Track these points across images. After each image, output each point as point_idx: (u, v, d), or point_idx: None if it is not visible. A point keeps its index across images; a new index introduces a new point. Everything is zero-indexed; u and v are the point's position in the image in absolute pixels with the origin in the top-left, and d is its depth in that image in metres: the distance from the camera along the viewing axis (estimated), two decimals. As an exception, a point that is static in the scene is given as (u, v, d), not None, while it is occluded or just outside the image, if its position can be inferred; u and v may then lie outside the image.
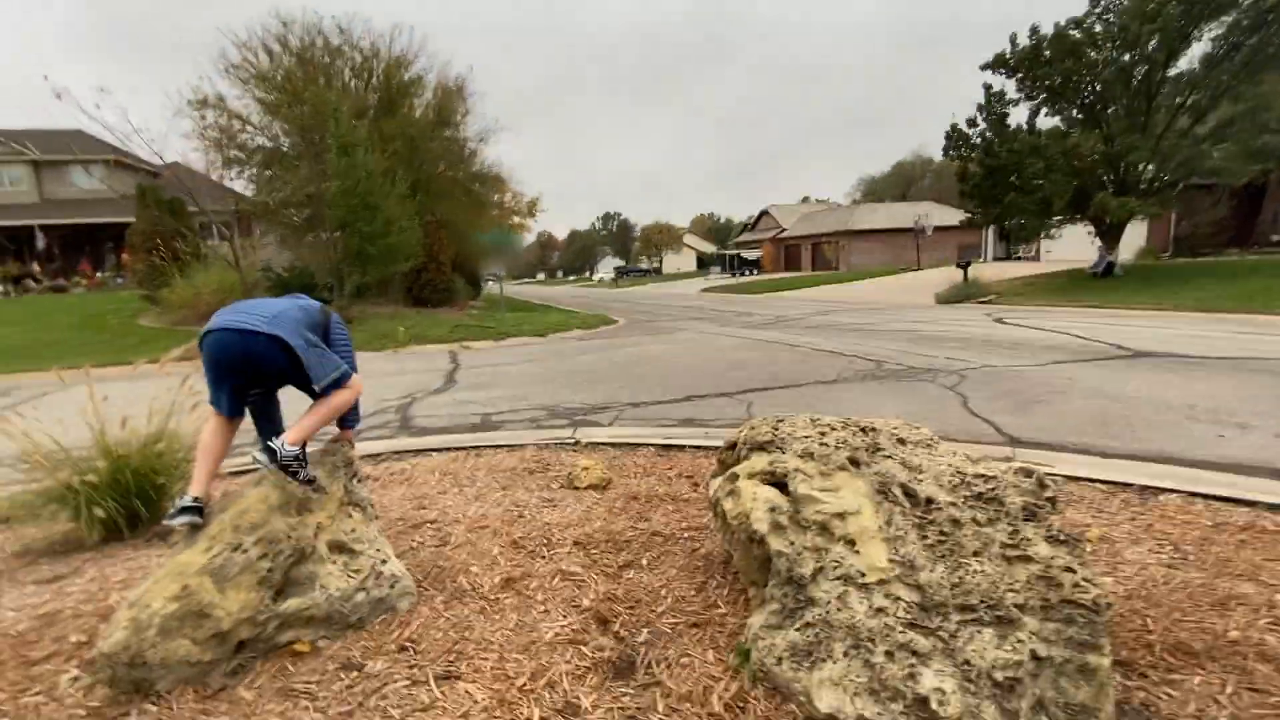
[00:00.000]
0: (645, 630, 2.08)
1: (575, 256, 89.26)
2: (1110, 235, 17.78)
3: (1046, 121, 18.09)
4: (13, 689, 1.91)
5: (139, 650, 1.79)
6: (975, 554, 1.80)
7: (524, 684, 1.83)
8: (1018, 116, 17.75)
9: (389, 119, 17.61)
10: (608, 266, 75.04)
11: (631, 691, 1.79)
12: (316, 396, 2.25)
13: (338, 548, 2.20)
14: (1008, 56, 17.40)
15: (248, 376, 2.23)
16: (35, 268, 24.90)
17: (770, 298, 24.72)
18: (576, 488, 3.58)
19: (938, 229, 34.36)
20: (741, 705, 1.71)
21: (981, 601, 1.70)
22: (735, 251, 53.59)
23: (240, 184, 18.04)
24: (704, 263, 66.83)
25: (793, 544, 1.87)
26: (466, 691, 1.81)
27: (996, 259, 32.78)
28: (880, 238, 40.09)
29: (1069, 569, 1.75)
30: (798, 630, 1.75)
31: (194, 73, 33.60)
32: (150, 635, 1.80)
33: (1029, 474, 2.00)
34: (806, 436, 2.15)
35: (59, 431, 3.15)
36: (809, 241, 45.14)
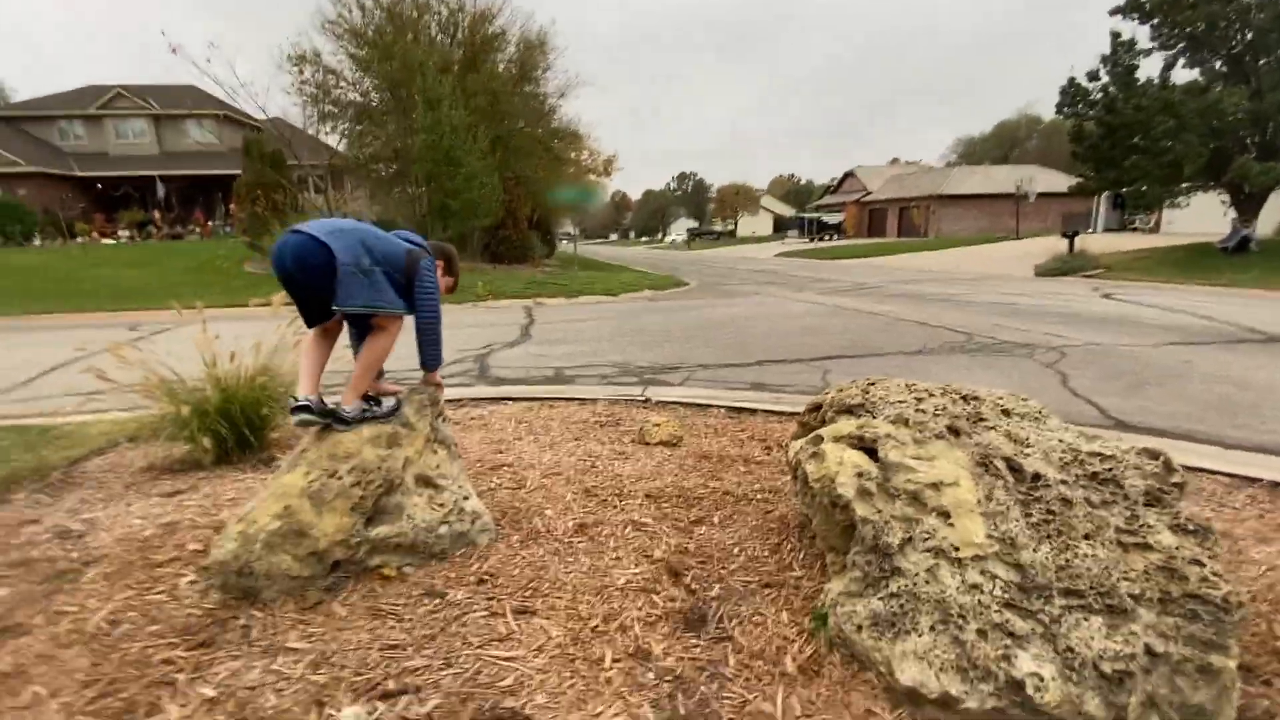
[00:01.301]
0: (717, 585, 2.06)
1: (648, 217, 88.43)
2: (1249, 205, 15.82)
3: (1183, 75, 16.09)
4: (140, 587, 2.12)
5: (247, 561, 1.94)
6: (1086, 537, 1.66)
7: (597, 625, 1.86)
8: (1149, 69, 15.88)
9: (473, 74, 17.76)
10: (680, 228, 73.99)
11: (703, 643, 1.78)
12: (357, 337, 2.36)
13: (424, 481, 2.29)
14: (1143, -1, 15.48)
15: (305, 287, 2.22)
16: (156, 215, 27.12)
17: (851, 263, 23.71)
18: (648, 443, 3.59)
19: (1041, 195, 31.67)
20: (816, 669, 1.67)
21: (1091, 588, 1.57)
22: (815, 215, 51.48)
23: (333, 139, 18.84)
24: (781, 226, 64.73)
25: (880, 511, 1.78)
26: (541, 627, 1.86)
27: (1108, 230, 29.93)
28: (976, 203, 37.39)
29: (1196, 561, 1.58)
30: (881, 600, 1.68)
31: (294, 29, 35.05)
32: (256, 549, 1.94)
33: (1154, 456, 1.81)
34: (900, 401, 2.03)
35: (175, 363, 3.43)
36: (896, 205, 42.72)
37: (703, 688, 1.62)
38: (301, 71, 16.45)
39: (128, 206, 27.31)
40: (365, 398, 2.40)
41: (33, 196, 23.81)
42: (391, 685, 1.62)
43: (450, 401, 4.71)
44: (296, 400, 2.22)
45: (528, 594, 2.03)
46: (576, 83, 21.88)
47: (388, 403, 2.43)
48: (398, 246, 2.36)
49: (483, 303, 11.65)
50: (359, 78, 17.91)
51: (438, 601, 1.98)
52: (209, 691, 1.61)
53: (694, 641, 1.79)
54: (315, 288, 2.18)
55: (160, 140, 28.53)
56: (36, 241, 22.53)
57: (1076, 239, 17.87)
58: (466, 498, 2.34)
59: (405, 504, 2.19)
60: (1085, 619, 1.53)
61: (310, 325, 2.35)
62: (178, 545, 2.42)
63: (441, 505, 2.25)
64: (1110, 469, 1.79)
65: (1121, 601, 1.54)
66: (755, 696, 1.58)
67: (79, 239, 23.75)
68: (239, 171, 17.52)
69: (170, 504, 2.89)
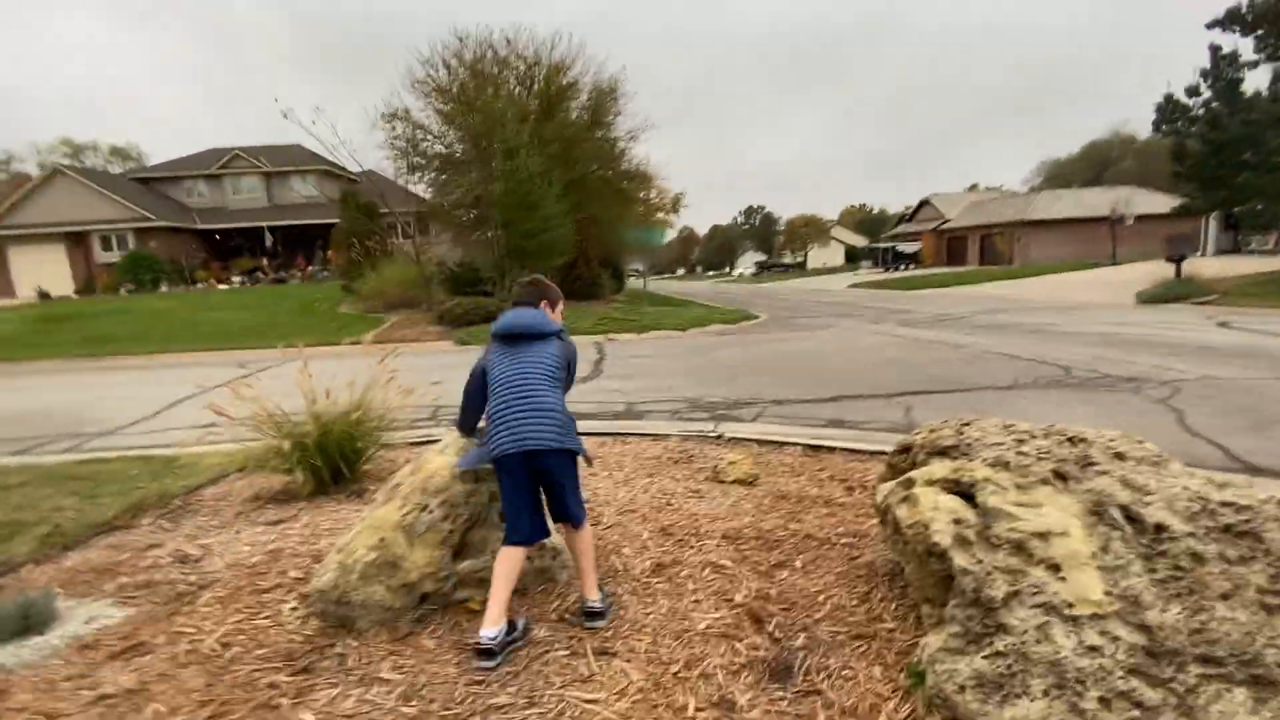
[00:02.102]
0: (802, 635, 1.98)
1: (715, 252, 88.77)
2: (1391, 222, 14.16)
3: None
4: (249, 611, 2.26)
5: (345, 590, 2.04)
6: (1223, 597, 1.49)
7: (678, 671, 1.83)
8: (1255, 82, 14.69)
9: (548, 122, 18.64)
10: (748, 261, 73.73)
11: (790, 696, 1.71)
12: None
13: (506, 518, 2.35)
14: (1243, 10, 14.44)
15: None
16: (264, 262, 29.75)
17: (930, 293, 22.79)
18: (723, 481, 3.53)
19: (1140, 218, 29.53)
20: (914, 730, 1.57)
21: (1231, 654, 1.40)
22: (890, 244, 50.09)
23: (420, 188, 20.16)
24: (853, 257, 63.25)
25: (980, 562, 1.67)
26: (622, 669, 1.84)
27: (1220, 252, 27.46)
28: (1066, 228, 35.27)
29: (1364, 631, 1.39)
30: (985, 658, 1.56)
31: (386, 89, 38.05)
32: (353, 579, 2.04)
33: (1301, 507, 1.62)
34: (999, 444, 1.92)
35: (280, 399, 3.70)
36: (977, 233, 40.94)
37: (791, 744, 1.55)
38: (393, 128, 17.80)
39: (240, 255, 30.12)
40: None
41: (161, 248, 26.69)
42: (478, 722, 1.64)
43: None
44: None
45: (608, 634, 2.02)
46: (646, 125, 22.52)
47: None
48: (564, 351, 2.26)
49: (556, 339, 11.96)
50: (444, 131, 19.17)
51: (520, 638, 2.00)
52: (309, 717, 1.68)
53: (780, 694, 1.72)
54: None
55: (270, 194, 31.48)
56: (164, 288, 25.15)
57: (1184, 263, 16.49)
58: (548, 534, 2.37)
59: (490, 538, 2.25)
60: (1227, 690, 1.37)
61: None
62: (280, 572, 2.58)
63: (523, 541, 2.29)
64: (1247, 520, 1.62)
65: (1269, 671, 1.37)
66: (848, 757, 1.50)
67: (199, 285, 26.34)
68: (336, 220, 19.01)
69: (274, 532, 3.09)
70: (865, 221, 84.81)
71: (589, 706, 1.69)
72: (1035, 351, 8.02)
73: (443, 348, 11.68)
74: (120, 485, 4.01)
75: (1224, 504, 1.67)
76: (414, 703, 1.72)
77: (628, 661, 1.88)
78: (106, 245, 27.39)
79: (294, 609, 2.25)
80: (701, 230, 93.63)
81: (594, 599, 2.09)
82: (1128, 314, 12.83)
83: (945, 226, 44.68)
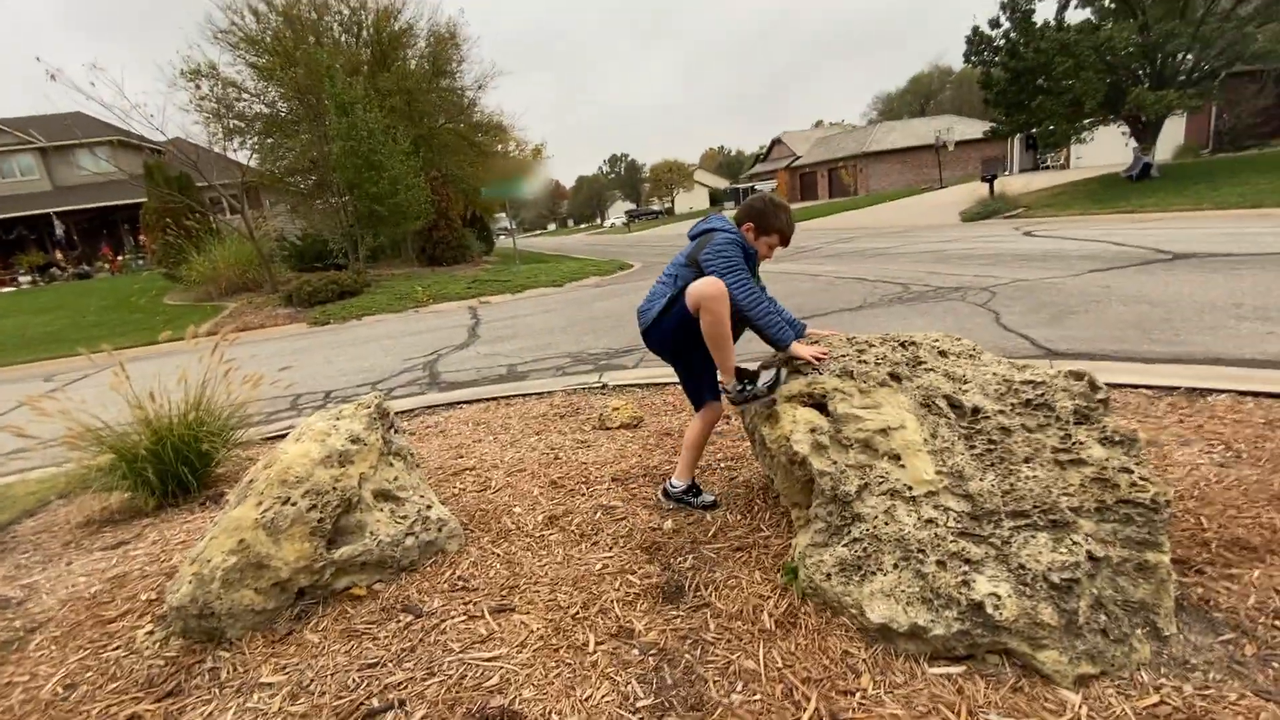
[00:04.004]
0: (690, 557, 2.10)
1: (584, 204, 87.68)
2: (1146, 134, 16.80)
3: (1076, 15, 16.87)
4: (94, 646, 2.01)
5: (205, 602, 1.86)
6: (1026, 460, 1.76)
7: (577, 612, 1.87)
8: (1045, 12, 16.53)
9: (384, 73, 17.10)
10: (618, 211, 73.69)
11: (682, 614, 1.82)
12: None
13: (383, 496, 2.24)
14: (1032, -55, 16.08)
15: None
16: (58, 255, 25.29)
17: (787, 230, 24.06)
18: (609, 428, 3.60)
19: (960, 143, 32.86)
20: (792, 621, 1.73)
21: (1035, 507, 1.66)
22: (748, 185, 52.08)
23: (244, 155, 17.87)
24: (716, 199, 65.21)
25: (835, 463, 1.84)
26: (522, 622, 1.86)
27: (1023, 170, 31.36)
28: (900, 158, 38.50)
29: (1125, 469, 1.70)
30: (845, 546, 1.74)
31: (183, 42, 32.82)
32: (214, 588, 1.87)
33: (1079, 377, 1.93)
34: (844, 355, 2.09)
35: (101, 410, 3.23)
36: (824, 168, 43.60)
37: (687, 655, 1.65)
38: (198, 86, 15.45)
39: (25, 249, 25.36)
40: (742, 375, 2.19)
41: (-88, 250, 21.84)
42: (375, 703, 1.59)
43: (403, 413, 4.60)
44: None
45: (504, 592, 2.03)
46: (494, 73, 21.40)
47: (766, 375, 2.25)
48: (682, 258, 2.34)
49: (424, 308, 11.37)
50: (263, 88, 16.99)
51: (412, 615, 1.95)
52: (182, 740, 1.55)
53: (674, 613, 1.83)
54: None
55: (50, 174, 26.51)
56: (-76, 298, 20.70)
57: (996, 182, 18.67)
58: (429, 506, 2.30)
59: (367, 521, 2.14)
60: (1033, 536, 1.63)
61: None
62: (129, 597, 2.30)
63: (405, 517, 2.21)
64: (1042, 394, 1.90)
65: (1063, 515, 1.65)
66: (738, 655, 1.63)
67: (-27, 290, 21.96)
68: (144, 199, 16.46)
69: (115, 555, 2.74)
70: (725, 164, 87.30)
71: (490, 664, 1.69)
72: (878, 273, 8.80)
73: (295, 330, 10.72)
74: (-98, 535, 3.35)
75: (1024, 382, 1.95)
76: (301, 700, 1.63)
77: (526, 614, 1.90)
78: None
79: (149, 633, 2.02)
80: (568, 183, 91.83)
81: (674, 480, 2.49)
82: (954, 231, 14.38)
83: (796, 164, 47.06)
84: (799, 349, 2.17)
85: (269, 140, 17.28)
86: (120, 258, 25.44)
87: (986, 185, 18.69)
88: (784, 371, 2.21)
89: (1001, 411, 1.87)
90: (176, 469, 3.20)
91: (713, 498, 2.46)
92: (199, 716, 1.62)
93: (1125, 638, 1.51)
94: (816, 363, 2.10)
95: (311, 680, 1.70)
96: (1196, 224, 10.38)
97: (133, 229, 23.97)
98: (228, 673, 1.78)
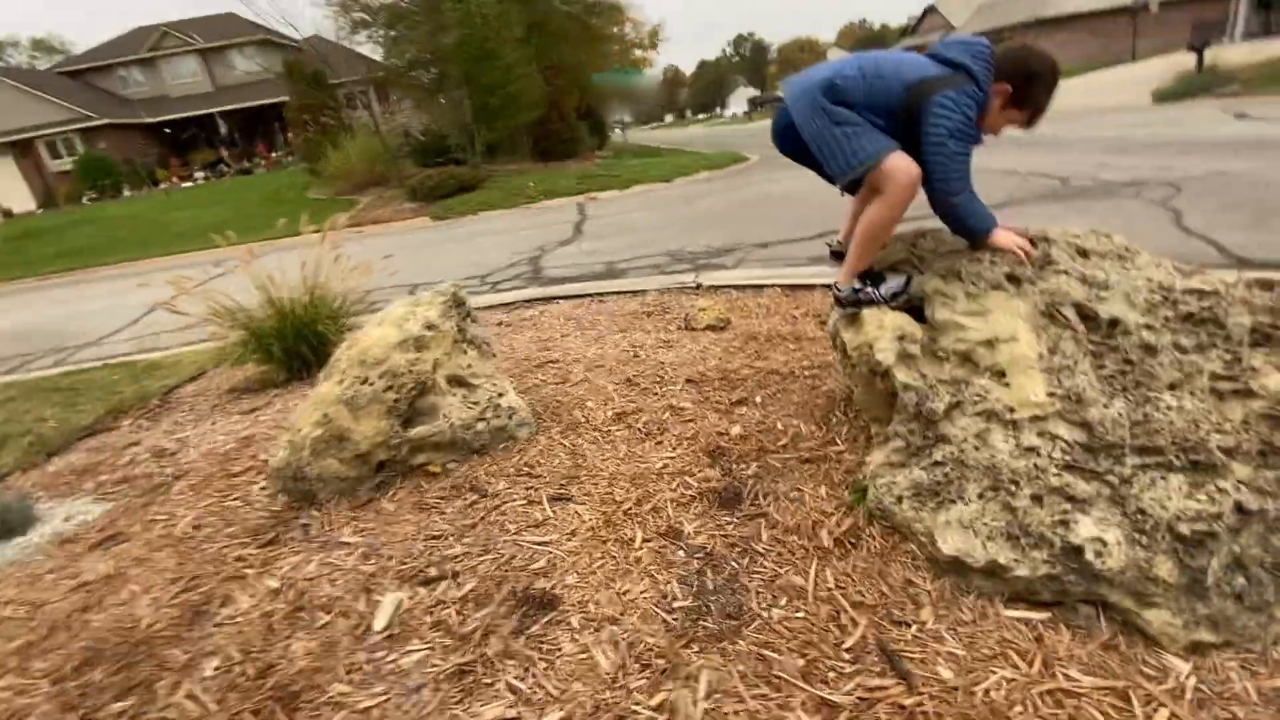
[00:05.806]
0: (754, 465, 1.99)
1: (704, 92, 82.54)
2: None
3: None
4: (220, 495, 2.31)
5: (298, 466, 2.05)
6: (1171, 387, 1.43)
7: (630, 508, 1.86)
8: None
9: (496, -48, 16.43)
10: (741, 99, 68.78)
11: (736, 521, 1.74)
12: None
13: (456, 381, 2.30)
14: None
15: (806, 159, 1.94)
16: (224, 153, 28.01)
17: (929, 117, 21.29)
18: (693, 329, 3.46)
19: (1165, 4, 26.73)
20: (853, 542, 1.60)
21: (1173, 443, 1.36)
22: (889, 66, 46.18)
23: (368, 49, 18.27)
24: (851, 85, 58.65)
25: (924, 376, 1.61)
26: (576, 512, 1.88)
27: (1249, 36, 25.08)
28: (1083, 25, 32.04)
29: (1312, 406, 1.33)
30: (924, 469, 1.55)
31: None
32: (305, 455, 2.04)
33: (1268, 286, 1.51)
34: (954, 252, 1.78)
35: (247, 294, 3.55)
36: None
37: (733, 563, 1.59)
38: (326, -23, 15.73)
39: (197, 147, 28.30)
40: (865, 276, 1.86)
41: (113, 149, 25.03)
42: (433, 572, 1.69)
43: (502, 305, 4.73)
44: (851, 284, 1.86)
45: (565, 482, 2.05)
46: (610, -55, 19.86)
47: (892, 281, 1.84)
48: (896, 81, 1.68)
49: (536, 204, 11.46)
50: (384, -25, 17.00)
51: (478, 494, 2.04)
52: (273, 583, 1.74)
53: (727, 520, 1.75)
54: (810, 158, 1.83)
55: (212, 76, 28.83)
56: (126, 192, 23.99)
57: (1206, 52, 15.12)
58: (501, 394, 2.34)
59: (440, 404, 2.22)
60: (1163, 477, 1.35)
61: (845, 192, 1.87)
62: (252, 457, 2.61)
63: (476, 403, 2.26)
64: (1209, 307, 1.51)
65: (1210, 456, 1.34)
66: (787, 570, 1.54)
67: (161, 185, 25.08)
68: (287, 98, 17.53)
69: (248, 420, 3.11)
70: (866, 40, 77.68)
71: (540, 548, 1.73)
72: (1035, 164, 7.56)
73: (420, 224, 11.27)
74: (101, 392, 4.01)
75: (1188, 291, 1.56)
76: (372, 561, 1.77)
77: (582, 505, 1.91)
78: (55, 152, 25.75)
79: (263, 488, 2.29)
80: (688, 70, 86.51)
81: (839, 284, 1.87)
82: (1142, 114, 12.00)
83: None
84: (1001, 237, 1.70)
85: (392, 33, 17.48)
86: (273, 154, 27.74)
87: (1194, 55, 15.19)
88: (915, 280, 1.82)
89: (1149, 326, 1.52)
90: (298, 346, 3.52)
91: (903, 278, 1.83)
92: (289, 565, 1.82)
93: (1266, 606, 1.24)
94: (1025, 257, 1.67)
95: (383, 544, 1.84)
96: None
97: (282, 126, 25.86)
98: (316, 529, 1.97)
